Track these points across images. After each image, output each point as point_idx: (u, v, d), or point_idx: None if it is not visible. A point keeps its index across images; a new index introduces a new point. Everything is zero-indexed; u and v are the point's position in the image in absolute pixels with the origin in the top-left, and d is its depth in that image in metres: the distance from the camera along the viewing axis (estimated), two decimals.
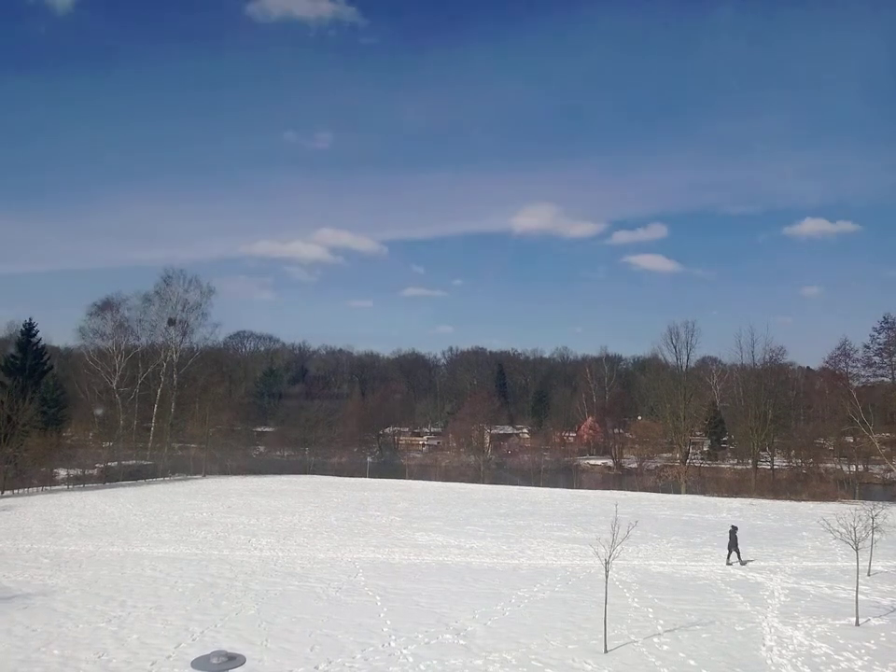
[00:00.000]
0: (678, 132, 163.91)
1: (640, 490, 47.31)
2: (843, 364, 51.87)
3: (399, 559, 20.02)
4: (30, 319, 58.32)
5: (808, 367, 75.25)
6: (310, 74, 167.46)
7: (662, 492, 46.28)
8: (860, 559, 15.24)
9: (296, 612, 14.02)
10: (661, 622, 13.58)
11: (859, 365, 51.57)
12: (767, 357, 55.96)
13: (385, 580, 17.16)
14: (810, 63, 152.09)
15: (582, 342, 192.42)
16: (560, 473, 59.69)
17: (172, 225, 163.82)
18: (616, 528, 12.03)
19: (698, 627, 13.24)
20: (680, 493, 46.51)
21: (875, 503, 23.89)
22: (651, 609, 14.54)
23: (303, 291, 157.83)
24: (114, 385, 57.16)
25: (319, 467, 59.97)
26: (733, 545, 19.88)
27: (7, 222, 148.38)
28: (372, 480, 51.75)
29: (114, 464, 48.13)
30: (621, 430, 75.85)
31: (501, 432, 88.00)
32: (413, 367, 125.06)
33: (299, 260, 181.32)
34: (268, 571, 18.09)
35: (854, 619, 13.71)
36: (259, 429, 75.36)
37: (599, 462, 72.44)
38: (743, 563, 19.76)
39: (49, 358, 59.90)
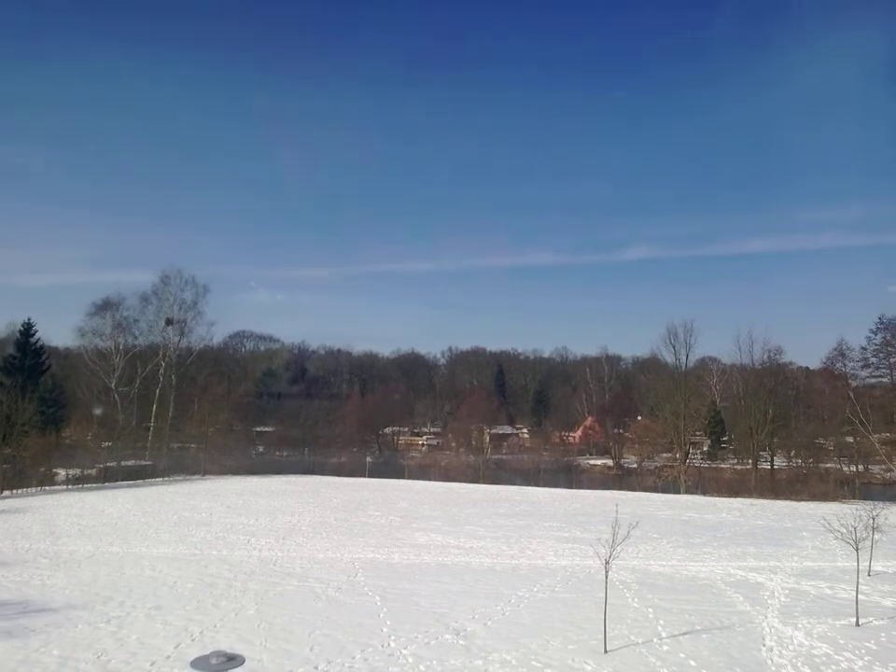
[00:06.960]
0: None
1: (640, 490, 47.30)
2: (840, 364, 52.16)
3: (399, 559, 19.99)
4: (28, 319, 58.51)
5: (808, 367, 75.47)
6: None
7: (662, 492, 46.30)
8: (860, 559, 15.24)
9: (295, 612, 13.99)
10: (661, 622, 13.57)
11: (857, 365, 51.90)
12: (766, 356, 56.25)
13: (385, 580, 17.12)
14: None
15: (582, 341, 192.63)
16: (560, 473, 59.70)
17: None
18: (616, 528, 12.01)
19: (698, 628, 13.23)
20: (680, 493, 46.53)
21: (876, 503, 23.95)
22: (650, 610, 14.52)
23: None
24: (112, 384, 57.16)
25: (319, 467, 59.98)
26: None
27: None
28: (372, 480, 51.66)
29: (113, 464, 48.05)
30: (621, 430, 75.92)
31: (501, 432, 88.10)
32: (412, 367, 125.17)
33: None
34: (267, 571, 18.06)
35: (854, 619, 13.70)
36: (258, 429, 75.29)
37: (599, 462, 72.44)
38: None
39: (47, 358, 60.03)
